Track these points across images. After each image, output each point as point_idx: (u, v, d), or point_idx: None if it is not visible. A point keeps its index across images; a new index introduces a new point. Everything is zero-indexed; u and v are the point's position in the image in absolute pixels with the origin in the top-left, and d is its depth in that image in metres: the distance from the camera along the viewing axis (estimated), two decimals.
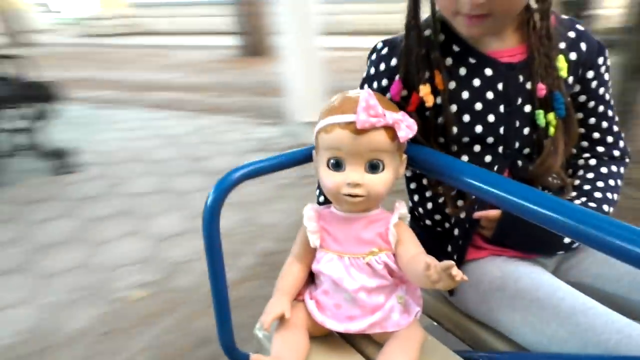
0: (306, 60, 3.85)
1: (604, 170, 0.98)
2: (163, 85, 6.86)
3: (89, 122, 4.89)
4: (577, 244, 0.97)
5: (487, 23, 0.79)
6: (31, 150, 3.30)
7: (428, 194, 1.00)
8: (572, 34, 0.92)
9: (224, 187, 0.86)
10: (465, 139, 0.89)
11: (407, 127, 0.77)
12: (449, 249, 0.97)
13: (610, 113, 0.98)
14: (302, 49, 3.83)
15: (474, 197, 0.92)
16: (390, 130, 0.76)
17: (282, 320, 0.82)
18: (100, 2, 16.27)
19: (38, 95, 3.19)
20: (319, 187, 0.99)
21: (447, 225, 0.98)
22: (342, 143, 0.76)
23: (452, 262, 0.64)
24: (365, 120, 0.74)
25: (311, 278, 0.90)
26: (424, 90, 0.87)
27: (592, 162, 1.00)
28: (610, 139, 0.99)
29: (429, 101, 0.87)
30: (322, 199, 1.01)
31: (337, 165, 0.78)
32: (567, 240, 0.94)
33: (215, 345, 1.22)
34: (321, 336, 0.87)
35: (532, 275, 0.89)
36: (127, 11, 15.30)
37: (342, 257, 0.81)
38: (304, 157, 0.92)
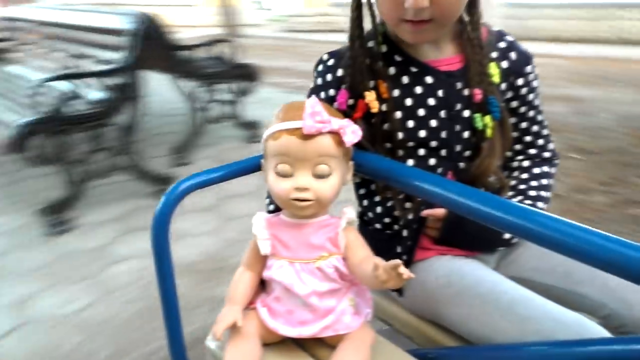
0: None
1: (536, 170, 1.04)
2: None
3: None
4: (515, 240, 1.01)
5: (429, 28, 0.84)
6: (232, 119, 3.97)
7: (377, 198, 1.02)
8: (502, 44, 0.98)
9: (172, 199, 0.86)
10: (411, 144, 0.93)
11: (352, 133, 0.79)
12: (399, 250, 1.00)
13: (539, 118, 1.04)
14: None
15: (420, 199, 0.95)
16: (336, 136, 0.78)
17: (234, 328, 0.81)
18: (305, 1, 17.78)
19: (243, 74, 3.81)
20: (268, 195, 1.02)
21: (396, 227, 1.01)
22: (289, 149, 0.78)
23: (398, 261, 0.66)
24: (311, 125, 0.76)
25: (262, 286, 0.90)
26: (370, 96, 0.91)
27: (526, 163, 1.06)
28: (540, 142, 1.06)
29: (375, 107, 0.91)
30: (272, 207, 1.02)
31: (284, 171, 0.79)
32: (506, 236, 0.98)
33: None
34: (274, 343, 0.87)
35: (475, 272, 0.94)
36: (327, 10, 16.48)
37: (293, 263, 0.82)
38: (254, 166, 0.94)
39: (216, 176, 0.91)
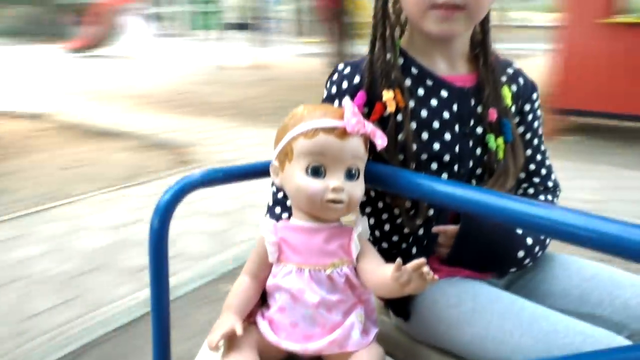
0: None
1: (541, 198, 1.03)
2: None
3: None
4: (528, 261, 0.95)
5: (459, 17, 0.85)
6: None
7: (384, 216, 0.98)
8: (510, 70, 1.02)
9: (174, 195, 0.83)
10: (424, 156, 0.91)
11: (381, 137, 0.79)
12: None
13: (542, 147, 1.05)
14: None
15: (430, 214, 0.93)
16: (365, 140, 0.79)
17: (231, 341, 0.75)
18: None
19: None
20: (274, 200, 0.96)
21: (404, 245, 0.97)
22: (326, 148, 0.75)
23: (423, 260, 0.64)
24: (355, 124, 0.75)
25: (262, 300, 0.85)
26: (388, 95, 0.90)
27: (530, 191, 1.05)
28: (544, 171, 1.06)
29: (392, 106, 0.90)
30: (278, 210, 0.95)
31: (316, 171, 0.76)
32: (519, 255, 0.93)
33: None
34: None
35: (489, 291, 0.90)
36: None
37: (302, 270, 0.77)
38: (259, 170, 0.91)
39: (220, 176, 0.91)
